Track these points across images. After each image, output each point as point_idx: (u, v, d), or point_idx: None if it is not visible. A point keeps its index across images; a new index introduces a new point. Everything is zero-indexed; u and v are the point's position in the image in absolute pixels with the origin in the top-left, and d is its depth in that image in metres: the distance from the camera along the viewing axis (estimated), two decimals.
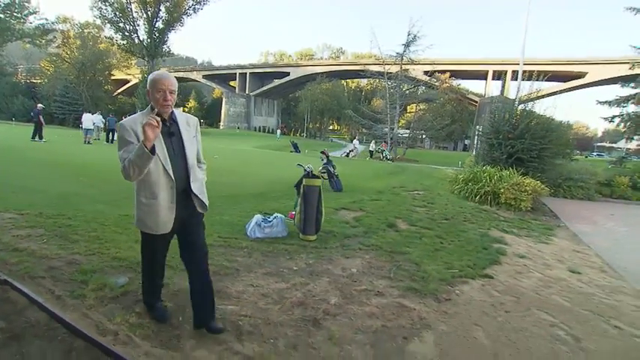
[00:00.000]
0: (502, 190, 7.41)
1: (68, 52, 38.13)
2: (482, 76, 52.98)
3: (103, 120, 18.55)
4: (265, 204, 5.88)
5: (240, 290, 2.75)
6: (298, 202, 4.11)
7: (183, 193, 2.05)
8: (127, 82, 57.45)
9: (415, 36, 25.80)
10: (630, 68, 13.92)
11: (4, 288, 2.41)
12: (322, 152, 8.60)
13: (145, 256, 2.27)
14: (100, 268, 2.89)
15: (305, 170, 4.36)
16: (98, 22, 36.88)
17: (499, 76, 53.35)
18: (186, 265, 2.20)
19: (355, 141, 25.90)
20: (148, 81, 1.95)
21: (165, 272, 2.46)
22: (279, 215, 4.23)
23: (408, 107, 38.72)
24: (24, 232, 3.61)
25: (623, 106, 14.25)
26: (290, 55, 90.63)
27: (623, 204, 11.14)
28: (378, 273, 3.34)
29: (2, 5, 43.38)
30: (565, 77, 50.05)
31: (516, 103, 13.64)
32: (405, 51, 26.54)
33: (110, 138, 17.33)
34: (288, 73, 61.04)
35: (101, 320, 2.18)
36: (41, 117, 15.10)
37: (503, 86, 54.87)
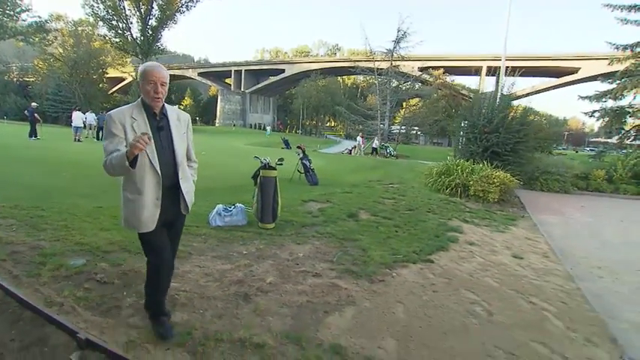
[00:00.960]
0: (471, 183, 7.69)
1: (61, 50, 38.11)
2: (476, 72, 53.23)
3: (96, 118, 18.71)
4: (237, 196, 6.08)
5: (187, 270, 3.01)
6: (256, 192, 4.37)
7: (170, 191, 2.00)
8: (123, 80, 57.42)
9: (405, 32, 25.96)
10: (609, 64, 14.19)
11: None
12: (299, 147, 8.85)
13: (150, 254, 2.10)
14: (61, 252, 3.14)
15: (262, 162, 4.62)
16: (91, 19, 36.92)
17: (494, 71, 53.73)
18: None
19: (359, 137, 26.04)
20: (139, 72, 1.93)
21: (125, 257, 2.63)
22: (239, 205, 4.49)
23: (404, 104, 38.96)
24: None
25: (604, 102, 14.52)
26: (286, 53, 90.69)
27: (597, 196, 11.44)
28: (322, 257, 3.61)
29: None
30: (558, 73, 50.37)
31: (497, 98, 13.94)
32: (395, 47, 26.69)
33: (100, 135, 17.50)
34: (283, 70, 61.12)
35: (50, 295, 2.44)
36: (36, 115, 15.33)
37: (497, 82, 55.23)
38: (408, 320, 2.62)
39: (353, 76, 73.01)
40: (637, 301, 3.52)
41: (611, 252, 5.23)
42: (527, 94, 54.45)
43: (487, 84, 53.47)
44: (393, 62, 26.95)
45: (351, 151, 26.17)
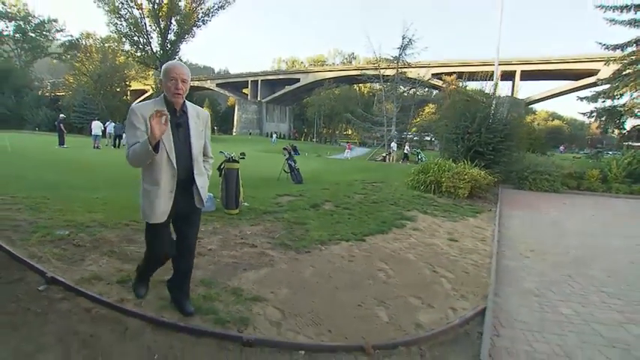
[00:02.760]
0: (443, 180, 8.12)
1: (87, 65, 40.77)
2: (491, 76, 52.58)
3: (114, 127, 20.13)
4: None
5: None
6: (220, 182, 5.07)
7: (185, 185, 2.10)
8: (145, 92, 60.37)
9: (410, 40, 26.42)
10: (605, 64, 14.21)
11: None
12: (284, 149, 9.54)
13: (150, 246, 2.32)
14: (51, 226, 3.91)
15: (226, 156, 5.31)
16: (116, 36, 39.40)
17: (509, 75, 52.98)
18: (174, 258, 2.35)
19: (393, 144, 26.53)
20: (162, 70, 2.05)
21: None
22: (209, 194, 5.19)
23: (420, 111, 39.04)
24: (7, 206, 4.71)
25: (603, 102, 14.52)
26: (302, 62, 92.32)
27: (588, 195, 11.54)
28: (266, 235, 4.24)
29: (33, 25, 47.09)
30: (577, 76, 49.13)
31: (493, 101, 14.24)
32: (400, 54, 27.15)
33: (117, 143, 18.86)
34: (298, 80, 62.48)
35: (34, 251, 3.19)
36: (62, 125, 16.90)
37: (512, 86, 54.36)
38: (310, 278, 3.20)
39: (369, 84, 73.71)
40: (543, 274, 3.96)
41: (557, 239, 5.62)
42: (543, 98, 53.36)
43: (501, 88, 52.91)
44: (400, 69, 27.41)
45: (385, 157, 26.08)
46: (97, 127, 17.76)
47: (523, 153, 13.05)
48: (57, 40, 49.17)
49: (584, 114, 14.84)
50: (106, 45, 45.49)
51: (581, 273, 4.06)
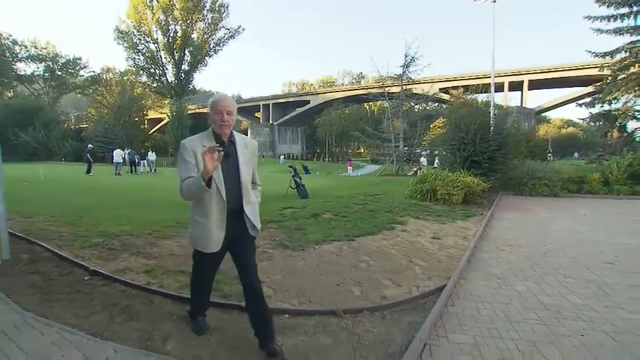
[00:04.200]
0: (438, 188, 8.66)
1: (108, 98, 43.37)
2: (498, 88, 52.89)
3: (127, 153, 21.47)
4: None
5: (167, 244, 4.44)
6: None
7: (235, 214, 2.13)
8: (161, 120, 63.14)
9: (413, 57, 27.28)
10: (599, 71, 14.62)
11: (32, 245, 4.26)
12: (290, 166, 10.28)
13: (194, 272, 2.43)
14: (89, 235, 4.69)
15: None
16: (134, 69, 42.02)
17: (518, 87, 53.24)
18: (243, 288, 2.30)
19: (422, 159, 26.91)
20: (209, 104, 2.10)
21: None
22: None
23: (431, 126, 39.54)
24: (49, 222, 5.55)
25: (601, 107, 14.85)
26: (312, 84, 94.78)
27: (589, 198, 11.79)
28: (268, 238, 4.90)
29: (60, 65, 50.69)
30: (587, 82, 48.91)
31: (491, 111, 14.80)
32: (404, 72, 27.98)
33: (133, 169, 20.22)
34: (308, 101, 64.22)
35: (78, 254, 3.94)
36: (88, 155, 18.48)
37: (521, 96, 54.43)
38: (301, 268, 3.83)
39: (379, 103, 74.98)
40: (511, 262, 4.47)
41: (537, 236, 6.08)
42: (554, 106, 53.04)
43: (509, 99, 53.16)
44: (404, 86, 28.18)
45: (416, 172, 26.55)
46: (118, 155, 19.10)
47: (521, 160, 13.42)
48: (81, 76, 52.63)
49: (583, 119, 15.17)
50: (125, 78, 48.44)
51: (547, 261, 4.55)
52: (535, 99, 65.38)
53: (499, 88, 53.37)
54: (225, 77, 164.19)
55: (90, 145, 20.71)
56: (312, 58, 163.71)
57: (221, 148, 1.88)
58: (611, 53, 13.59)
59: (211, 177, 1.92)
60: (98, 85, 46.77)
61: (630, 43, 13.05)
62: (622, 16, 13.19)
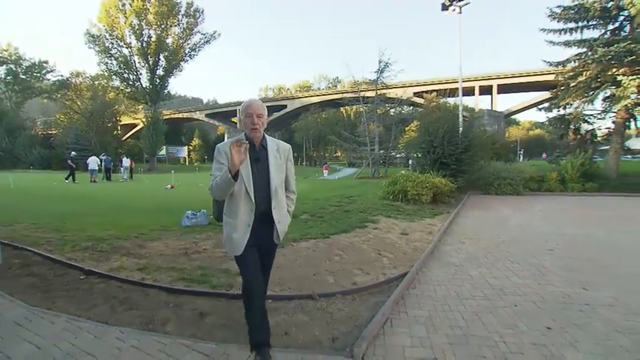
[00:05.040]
0: (408, 189, 9.26)
1: (79, 104, 42.08)
2: (469, 92, 55.11)
3: (102, 160, 21.04)
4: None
5: (155, 245, 4.74)
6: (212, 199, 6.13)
7: (263, 218, 2.12)
8: (135, 126, 61.70)
9: (386, 63, 28.22)
10: (555, 78, 15.85)
11: (21, 251, 4.45)
12: None
13: (245, 281, 2.22)
14: (76, 240, 4.90)
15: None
16: (106, 74, 40.96)
17: (488, 90, 55.67)
18: None
19: (410, 160, 27.74)
20: (240, 108, 2.14)
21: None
22: (203, 210, 6.24)
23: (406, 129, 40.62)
24: (32, 229, 5.70)
25: (557, 111, 16.06)
26: (288, 89, 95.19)
27: (547, 195, 12.81)
28: None
29: (24, 68, 48.67)
30: (548, 87, 51.76)
31: (460, 115, 15.68)
32: (378, 77, 28.88)
33: (107, 176, 19.97)
34: (285, 106, 64.51)
35: (70, 256, 4.18)
36: (70, 162, 18.46)
37: (491, 100, 56.92)
38: (281, 262, 4.21)
39: (355, 107, 76.27)
40: (469, 253, 5.04)
41: (496, 230, 6.73)
42: (522, 109, 55.71)
43: (480, 102, 55.47)
44: (378, 90, 29.08)
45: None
46: (93, 162, 18.77)
47: (488, 161, 14.35)
48: (47, 80, 50.66)
49: (542, 123, 16.34)
50: (96, 82, 47.10)
51: (500, 250, 5.16)
52: (504, 102, 68.18)
53: (470, 92, 55.64)
54: (201, 82, 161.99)
55: (73, 153, 20.39)
56: (289, 63, 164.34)
57: (246, 141, 1.93)
58: (563, 63, 14.83)
59: (238, 171, 1.93)
60: (67, 89, 45.25)
61: (577, 54, 14.31)
62: (570, 30, 14.46)
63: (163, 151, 50.85)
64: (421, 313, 3.06)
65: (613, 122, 15.11)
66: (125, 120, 52.43)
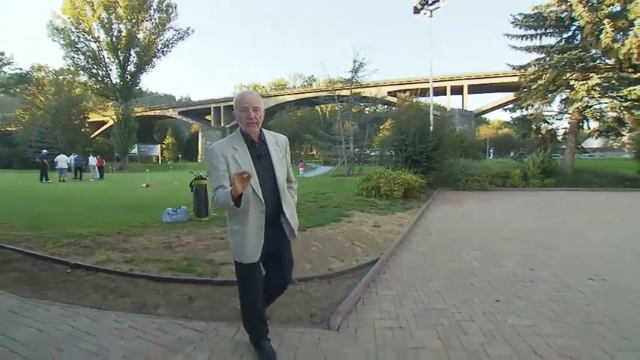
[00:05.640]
0: (381, 185, 9.73)
1: (42, 99, 40.10)
2: (441, 92, 56.90)
3: (73, 159, 20.40)
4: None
5: (138, 240, 4.88)
6: (192, 196, 6.30)
7: (274, 218, 2.02)
8: (105, 123, 59.42)
9: (361, 63, 28.77)
10: (519, 80, 16.89)
11: (0, 249, 4.48)
12: None
13: (240, 288, 2.17)
14: (57, 237, 4.95)
15: (195, 175, 6.57)
16: (72, 69, 39.16)
17: (458, 90, 57.72)
18: (270, 284, 2.23)
19: None
20: (233, 103, 1.99)
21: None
22: (183, 207, 6.39)
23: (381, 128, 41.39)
24: (7, 228, 5.66)
25: (520, 112, 17.11)
26: (263, 87, 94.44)
27: (511, 190, 13.71)
28: None
29: None
30: (515, 88, 54.24)
31: (431, 114, 16.36)
32: (353, 77, 29.40)
33: (78, 175, 19.38)
34: None
35: (53, 252, 4.28)
36: (45, 160, 17.65)
37: (462, 100, 59.04)
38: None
39: (330, 105, 76.83)
40: (436, 243, 5.50)
41: (461, 223, 7.27)
42: (491, 109, 58.08)
43: (451, 102, 57.44)
44: (353, 90, 29.63)
45: None
46: (62, 160, 18.16)
47: (457, 159, 15.14)
48: (4, 73, 47.67)
49: (507, 122, 17.40)
50: (60, 77, 44.92)
51: (464, 240, 5.66)
52: (475, 102, 70.78)
53: (442, 91, 57.54)
54: (173, 79, 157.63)
55: (44, 151, 19.50)
56: (264, 61, 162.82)
57: (250, 173, 1.76)
58: (525, 67, 15.86)
59: (241, 195, 1.79)
60: (27, 84, 42.87)
61: (537, 59, 15.36)
62: (531, 37, 15.50)
63: (135, 150, 49.35)
64: (390, 292, 3.44)
65: (569, 123, 16.31)
66: (94, 117, 50.47)
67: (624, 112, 13.78)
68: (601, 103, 14.52)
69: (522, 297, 3.30)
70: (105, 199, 10.30)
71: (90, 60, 36.97)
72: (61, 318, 2.67)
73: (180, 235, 5.19)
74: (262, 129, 2.07)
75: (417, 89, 45.93)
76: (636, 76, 12.97)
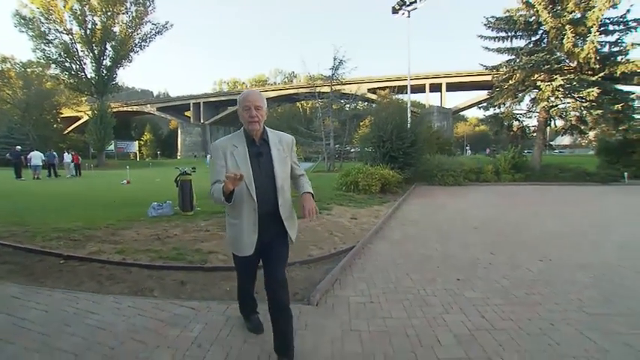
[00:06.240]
0: (359, 180, 10.16)
1: (10, 93, 38.48)
2: (420, 89, 58.11)
3: (45, 156, 19.84)
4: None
5: (127, 232, 5.09)
6: (177, 191, 6.52)
7: (269, 216, 2.02)
8: (79, 119, 57.55)
9: (341, 61, 29.15)
10: (492, 79, 17.71)
11: None
12: None
13: (238, 274, 2.43)
14: (44, 232, 5.08)
15: (180, 171, 6.77)
16: (42, 61, 37.67)
17: (437, 88, 59.06)
18: (266, 292, 2.07)
19: None
20: (237, 101, 2.04)
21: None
22: (168, 201, 6.59)
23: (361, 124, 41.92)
24: None
25: (493, 110, 17.95)
26: (244, 83, 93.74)
27: (484, 185, 14.47)
28: (217, 225, 5.76)
29: None
30: (489, 87, 55.94)
31: (409, 111, 16.91)
32: (333, 74, 29.75)
33: (52, 172, 18.95)
34: None
35: (44, 245, 4.44)
36: (20, 157, 17.25)
37: (441, 97, 60.46)
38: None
39: (311, 102, 77.01)
40: (408, 232, 5.95)
41: (435, 215, 7.78)
42: (468, 107, 59.73)
43: (430, 99, 58.77)
44: (333, 87, 29.99)
45: None
46: (36, 157, 17.70)
47: (433, 155, 15.79)
48: None
49: (481, 120, 18.21)
50: (29, 70, 43.11)
51: (435, 230, 6.15)
52: (453, 100, 72.51)
53: (421, 89, 58.79)
54: (152, 74, 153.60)
55: (18, 147, 18.86)
56: (244, 56, 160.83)
57: (242, 175, 1.78)
58: (497, 67, 16.67)
59: (232, 194, 1.84)
60: None
61: (507, 60, 16.19)
62: (502, 39, 16.32)
63: (112, 146, 48.08)
64: (364, 275, 3.83)
65: (538, 121, 17.27)
66: (67, 112, 48.80)
67: (584, 111, 14.77)
68: (564, 103, 15.50)
69: (480, 276, 3.76)
70: (86, 196, 10.27)
71: (63, 53, 35.70)
72: (64, 301, 2.91)
73: (167, 228, 5.42)
74: (266, 128, 2.09)
75: (397, 86, 46.81)
76: (594, 79, 13.95)
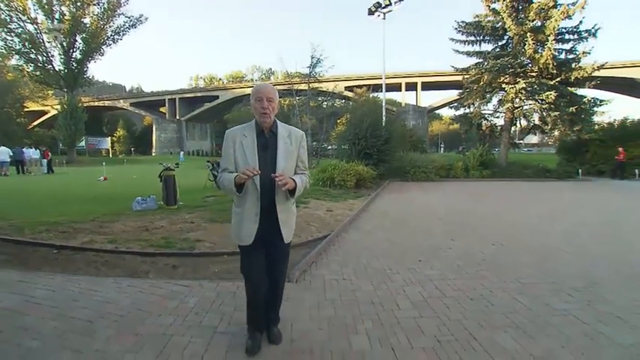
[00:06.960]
0: (335, 176, 10.66)
1: None
2: (396, 88, 59.33)
3: (12, 152, 19.20)
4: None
5: (115, 225, 5.33)
6: (161, 186, 6.77)
7: (269, 208, 2.06)
8: (45, 113, 55.04)
9: (319, 59, 29.54)
10: (463, 80, 18.67)
11: None
12: (208, 161, 11.27)
13: (244, 274, 2.25)
14: (32, 225, 5.24)
15: (164, 166, 7.02)
16: (4, 52, 35.79)
17: (412, 87, 60.50)
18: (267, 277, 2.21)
19: None
20: (251, 93, 2.08)
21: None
22: (152, 196, 6.83)
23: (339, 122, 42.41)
24: None
25: (463, 110, 18.92)
26: (220, 79, 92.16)
27: (453, 181, 15.33)
28: (201, 217, 6.08)
29: None
30: (461, 87, 57.95)
31: (384, 110, 17.55)
32: (311, 72, 30.09)
33: (21, 169, 18.40)
34: (217, 97, 62.75)
35: (34, 237, 4.63)
36: None
37: (416, 96, 61.97)
38: (229, 233, 5.19)
39: (288, 99, 76.95)
40: (379, 223, 6.48)
41: (405, 208, 8.37)
42: (441, 106, 61.52)
43: (406, 98, 60.15)
44: (311, 84, 30.36)
45: None
46: (4, 153, 17.11)
47: (406, 152, 16.53)
48: None
49: (452, 119, 19.20)
50: None
51: (404, 221, 6.71)
52: (429, 98, 74.29)
53: (398, 88, 60.04)
54: (123, 68, 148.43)
55: None
56: (221, 52, 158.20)
57: (258, 172, 1.88)
58: (466, 69, 17.63)
59: (243, 185, 1.95)
60: None
61: (476, 63, 17.18)
62: (472, 42, 17.29)
63: (83, 142, 46.36)
64: (337, 258, 4.30)
65: (504, 121, 18.39)
66: (33, 106, 46.61)
67: (544, 113, 15.94)
68: (527, 104, 16.64)
69: (439, 258, 4.32)
70: (65, 193, 10.22)
71: (27, 44, 34.10)
72: (66, 283, 3.20)
73: (153, 221, 5.69)
74: (278, 121, 2.14)
75: (373, 85, 47.68)
76: (552, 83, 15.11)
